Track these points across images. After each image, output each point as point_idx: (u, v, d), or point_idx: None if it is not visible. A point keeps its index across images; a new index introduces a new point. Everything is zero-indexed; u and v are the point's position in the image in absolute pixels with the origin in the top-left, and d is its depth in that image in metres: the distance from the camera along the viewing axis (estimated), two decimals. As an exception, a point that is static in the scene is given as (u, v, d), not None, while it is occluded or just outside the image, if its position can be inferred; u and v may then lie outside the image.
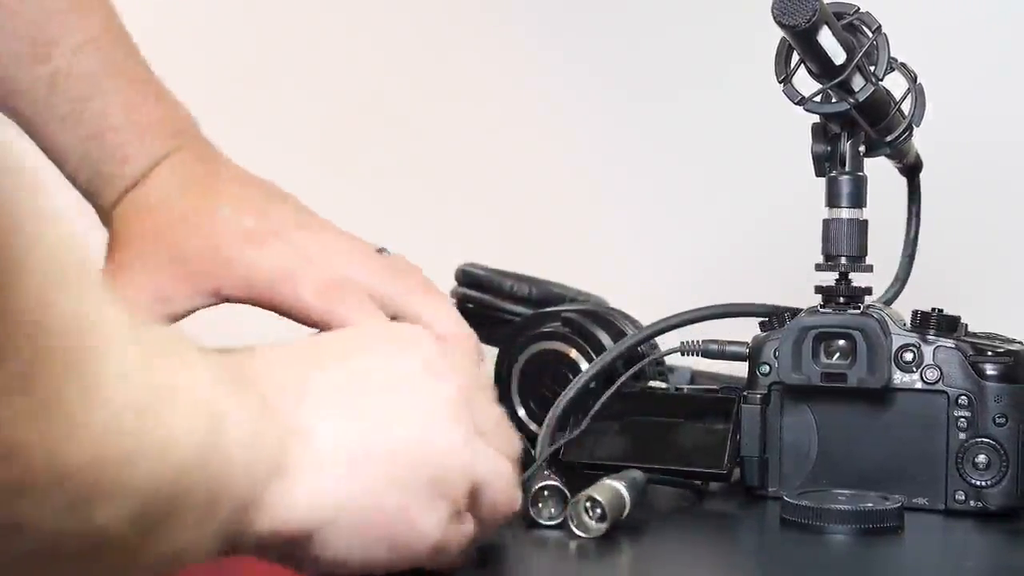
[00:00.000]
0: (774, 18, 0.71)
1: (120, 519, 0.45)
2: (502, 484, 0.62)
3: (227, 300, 0.81)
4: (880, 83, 0.76)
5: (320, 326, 0.78)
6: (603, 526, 0.71)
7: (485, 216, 1.40)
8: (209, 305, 0.82)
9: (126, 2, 0.81)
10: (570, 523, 0.72)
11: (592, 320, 0.93)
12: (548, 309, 0.99)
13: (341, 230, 0.84)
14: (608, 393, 0.82)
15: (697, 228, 1.37)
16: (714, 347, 0.85)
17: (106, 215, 0.84)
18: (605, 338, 0.91)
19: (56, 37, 0.81)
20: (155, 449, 0.46)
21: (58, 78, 0.81)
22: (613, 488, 0.72)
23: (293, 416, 0.55)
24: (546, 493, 0.73)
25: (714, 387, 0.89)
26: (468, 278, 1.08)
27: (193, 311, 0.82)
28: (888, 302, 0.90)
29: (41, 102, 0.81)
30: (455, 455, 0.59)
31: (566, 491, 0.73)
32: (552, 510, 0.73)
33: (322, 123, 1.42)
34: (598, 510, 0.71)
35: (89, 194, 0.84)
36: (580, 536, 0.71)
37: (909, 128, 0.81)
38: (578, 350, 0.92)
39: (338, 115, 1.42)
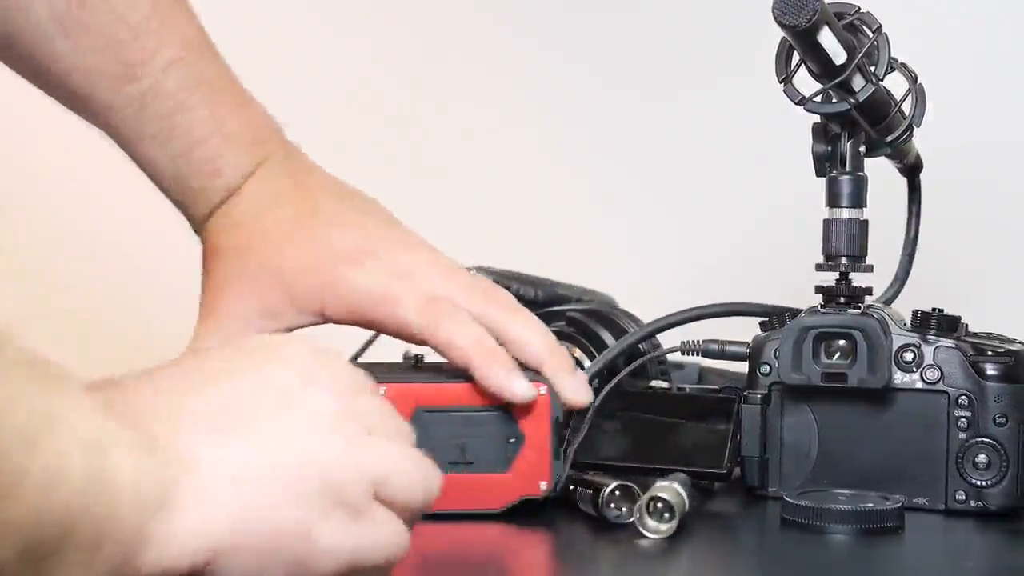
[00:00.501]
0: (774, 18, 0.71)
1: (2, 558, 0.44)
2: (407, 471, 0.60)
3: (330, 321, 0.81)
4: (880, 83, 0.76)
5: (423, 342, 0.79)
6: (673, 524, 0.73)
7: (485, 216, 1.40)
8: (314, 324, 0.81)
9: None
10: (638, 525, 0.73)
11: (596, 320, 0.94)
12: (552, 308, 0.99)
13: (431, 246, 0.83)
14: (605, 391, 0.82)
15: (697, 228, 1.37)
16: (714, 347, 0.85)
17: (199, 227, 0.84)
18: (608, 337, 0.92)
19: (145, 57, 0.81)
20: (38, 484, 0.45)
21: (147, 98, 0.81)
22: (673, 489, 0.74)
23: (173, 444, 0.53)
24: (617, 493, 0.74)
25: (715, 387, 0.90)
26: (473, 281, 1.08)
27: (299, 328, 0.81)
28: (888, 302, 0.90)
29: (132, 120, 0.81)
30: (343, 460, 0.57)
31: (637, 490, 0.74)
32: (623, 509, 0.74)
33: (322, 123, 1.42)
34: (667, 514, 0.73)
35: (182, 206, 0.84)
36: (649, 537, 0.73)
37: (909, 128, 0.81)
38: (582, 349, 0.93)
39: (339, 115, 1.42)
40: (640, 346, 0.89)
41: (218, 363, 0.60)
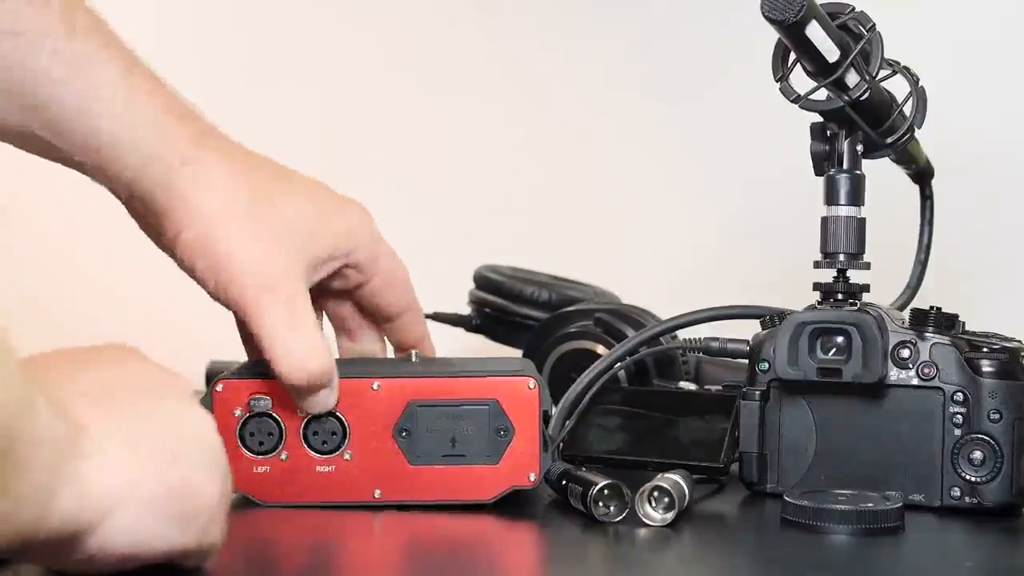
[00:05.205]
0: (762, 13, 0.71)
1: None
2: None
3: None
4: (875, 80, 0.77)
5: None
6: (671, 515, 0.74)
7: (484, 215, 1.41)
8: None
9: (127, 0, 0.82)
10: (638, 512, 0.74)
11: (621, 319, 0.96)
12: (576, 307, 1.01)
13: None
14: (592, 391, 0.84)
15: (698, 228, 1.37)
16: (715, 345, 0.86)
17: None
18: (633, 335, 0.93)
19: None
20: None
21: None
22: (675, 480, 0.75)
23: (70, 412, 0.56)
24: (606, 492, 0.75)
25: (717, 386, 0.90)
26: (486, 283, 1.09)
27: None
28: (900, 309, 0.90)
29: None
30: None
31: (626, 490, 0.74)
32: (611, 508, 0.75)
33: (322, 123, 1.44)
34: (666, 499, 0.74)
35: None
36: (648, 524, 0.74)
37: (911, 130, 0.82)
38: (607, 348, 0.94)
39: (339, 115, 1.43)
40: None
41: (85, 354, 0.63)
